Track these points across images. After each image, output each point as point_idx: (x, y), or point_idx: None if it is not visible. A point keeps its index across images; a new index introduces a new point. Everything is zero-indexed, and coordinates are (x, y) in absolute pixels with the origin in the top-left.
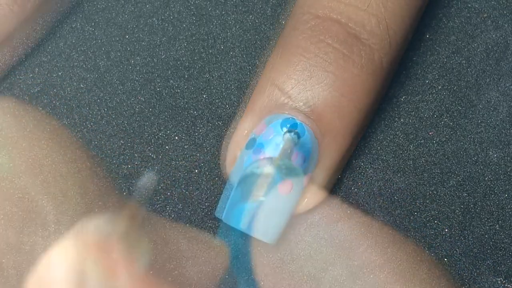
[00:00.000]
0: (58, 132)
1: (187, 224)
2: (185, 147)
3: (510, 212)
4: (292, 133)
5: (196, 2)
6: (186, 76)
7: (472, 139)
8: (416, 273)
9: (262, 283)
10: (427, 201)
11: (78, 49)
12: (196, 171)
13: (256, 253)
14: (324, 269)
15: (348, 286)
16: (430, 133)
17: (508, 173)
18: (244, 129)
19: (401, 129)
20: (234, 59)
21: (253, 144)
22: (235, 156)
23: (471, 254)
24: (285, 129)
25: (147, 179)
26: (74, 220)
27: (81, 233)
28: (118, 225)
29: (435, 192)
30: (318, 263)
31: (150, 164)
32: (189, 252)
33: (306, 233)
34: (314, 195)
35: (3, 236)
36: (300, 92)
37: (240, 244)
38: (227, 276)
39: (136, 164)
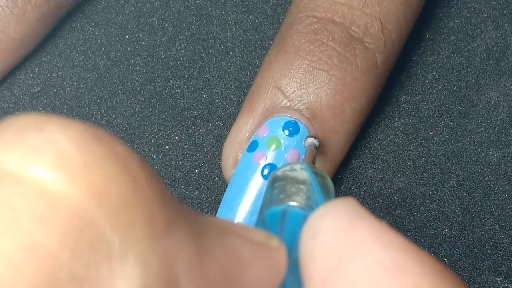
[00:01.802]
0: None
1: None
2: (185, 147)
3: (510, 212)
4: (315, 139)
5: (196, 2)
6: (186, 76)
7: (472, 139)
8: None
9: None
10: (427, 201)
11: (78, 49)
12: (196, 171)
13: None
14: None
15: None
16: (430, 133)
17: (508, 173)
18: (246, 131)
19: (401, 129)
20: (234, 59)
21: (256, 147)
22: (237, 158)
23: (471, 254)
24: (307, 136)
25: None
26: None
27: None
28: None
29: (435, 192)
30: None
31: (150, 164)
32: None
33: None
34: None
35: None
36: (302, 95)
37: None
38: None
39: None
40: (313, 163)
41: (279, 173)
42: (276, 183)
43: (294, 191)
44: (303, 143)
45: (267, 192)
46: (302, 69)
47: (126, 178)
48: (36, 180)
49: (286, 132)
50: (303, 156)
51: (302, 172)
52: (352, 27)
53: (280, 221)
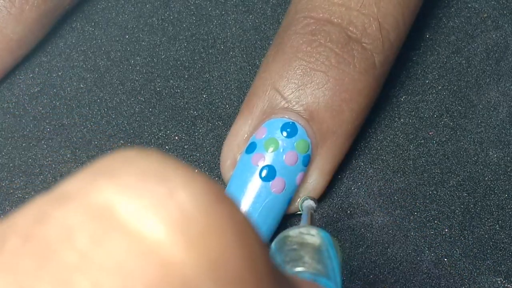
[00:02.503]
0: (58, 132)
1: None
2: (185, 147)
3: (510, 212)
4: (312, 201)
5: (196, 2)
6: (186, 76)
7: (472, 139)
8: (416, 273)
9: None
10: (427, 201)
11: (78, 49)
12: (196, 171)
13: None
14: None
15: (348, 286)
16: (430, 133)
17: (508, 173)
18: (244, 133)
19: (401, 129)
20: (234, 59)
21: (254, 149)
22: (235, 160)
23: (471, 254)
24: (303, 198)
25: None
26: None
27: None
28: None
29: (435, 192)
30: None
31: None
32: None
33: None
34: (307, 195)
35: None
36: (300, 97)
37: None
38: None
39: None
40: (312, 223)
41: (293, 233)
42: (291, 245)
43: (314, 259)
44: (300, 205)
45: (279, 252)
46: (300, 70)
47: (243, 252)
48: (151, 240)
49: (284, 133)
50: (301, 158)
51: (318, 239)
52: (350, 28)
53: None
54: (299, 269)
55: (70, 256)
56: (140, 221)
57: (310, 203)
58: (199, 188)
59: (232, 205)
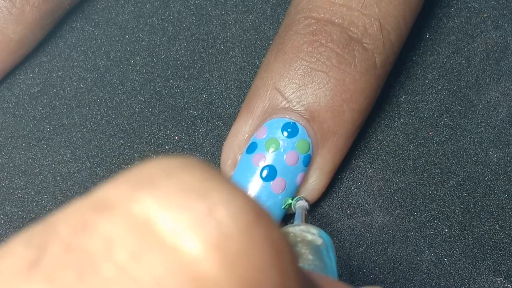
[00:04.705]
0: (58, 132)
1: None
2: (185, 147)
3: (510, 212)
4: (305, 202)
5: (196, 2)
6: (186, 76)
7: (472, 139)
8: (416, 273)
9: None
10: (427, 201)
11: (78, 49)
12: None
13: None
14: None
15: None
16: (430, 133)
17: (508, 173)
18: (244, 132)
19: (401, 129)
20: (234, 59)
21: (254, 149)
22: (236, 160)
23: (471, 254)
24: (295, 198)
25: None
26: None
27: None
28: None
29: (435, 192)
30: None
31: None
32: None
33: None
34: (308, 195)
35: (3, 237)
36: (301, 97)
37: None
38: None
39: (136, 164)
40: (306, 223)
41: (293, 230)
42: (292, 242)
43: (314, 256)
44: (293, 205)
45: None
46: (301, 70)
47: (278, 271)
48: (188, 257)
49: (285, 133)
50: (302, 158)
51: (318, 239)
52: (351, 28)
53: None
54: (300, 265)
55: (109, 270)
56: (178, 237)
57: (303, 203)
58: (239, 206)
59: (270, 223)
